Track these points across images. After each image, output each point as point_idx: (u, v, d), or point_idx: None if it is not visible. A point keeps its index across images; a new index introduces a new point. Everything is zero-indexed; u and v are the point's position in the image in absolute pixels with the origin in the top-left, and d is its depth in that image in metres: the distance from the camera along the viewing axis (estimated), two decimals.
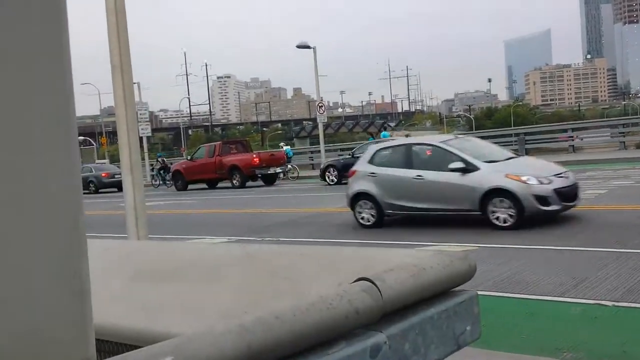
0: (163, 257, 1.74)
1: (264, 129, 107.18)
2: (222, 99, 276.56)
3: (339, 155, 29.51)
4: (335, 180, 24.34)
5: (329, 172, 24.83)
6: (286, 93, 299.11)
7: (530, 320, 5.34)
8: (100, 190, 33.69)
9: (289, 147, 36.31)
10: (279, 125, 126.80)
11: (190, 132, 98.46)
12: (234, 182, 27.53)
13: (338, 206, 14.15)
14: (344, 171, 24.28)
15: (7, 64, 0.70)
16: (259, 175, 27.51)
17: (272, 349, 0.92)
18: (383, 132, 33.03)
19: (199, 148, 32.19)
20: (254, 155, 28.02)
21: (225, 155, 28.49)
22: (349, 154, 25.73)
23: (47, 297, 0.74)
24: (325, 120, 36.22)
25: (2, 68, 0.70)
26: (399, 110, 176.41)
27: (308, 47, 33.33)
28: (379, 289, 1.11)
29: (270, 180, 27.97)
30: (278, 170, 28.04)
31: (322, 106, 32.63)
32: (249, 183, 27.54)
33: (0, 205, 0.69)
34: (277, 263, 1.54)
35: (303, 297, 1.07)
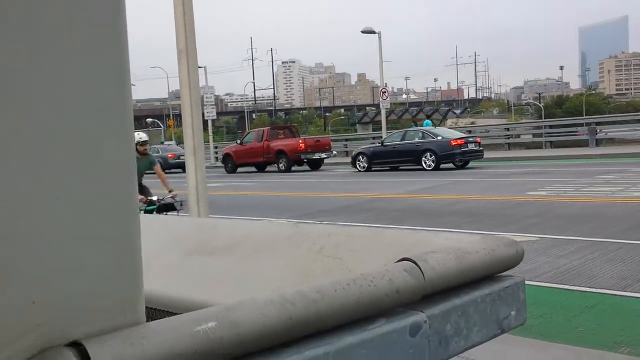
0: (217, 233, 1.80)
1: (327, 114, 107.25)
2: (286, 83, 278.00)
3: (371, 143, 30.14)
4: (366, 167, 24.94)
5: (359, 159, 25.43)
6: (350, 79, 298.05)
7: (588, 313, 5.21)
8: (166, 171, 34.46)
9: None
10: (342, 110, 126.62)
11: (254, 116, 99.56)
12: (280, 166, 28.61)
13: (392, 192, 14.08)
14: (373, 159, 24.86)
15: (68, 52, 0.75)
16: (305, 160, 28.41)
17: (312, 322, 0.95)
18: (426, 121, 33.38)
19: (248, 132, 33.48)
20: (300, 141, 28.90)
21: (273, 140, 29.44)
22: (379, 142, 26.25)
23: (101, 264, 0.79)
24: (389, 107, 36.09)
25: (63, 56, 0.74)
26: (465, 97, 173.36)
27: (373, 32, 33.10)
28: (420, 269, 1.13)
29: (315, 165, 28.78)
30: (323, 155, 28.60)
31: (385, 92, 32.42)
32: (295, 167, 28.37)
33: (62, 180, 0.74)
34: (326, 242, 1.57)
35: (348, 275, 1.09)
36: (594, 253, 7.28)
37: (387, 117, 35.24)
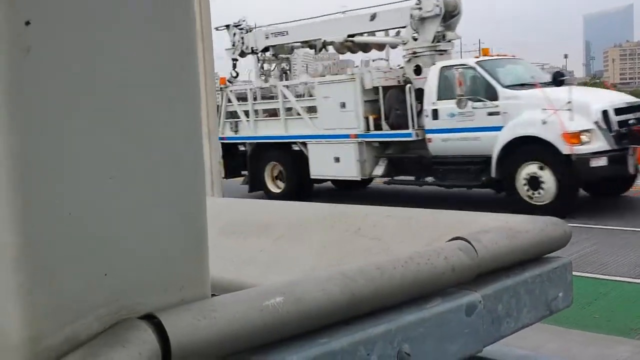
0: (250, 213, 1.78)
1: None
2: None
3: None
4: None
5: None
6: (353, 65, 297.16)
7: (603, 300, 5.20)
8: None
9: None
10: None
11: None
12: None
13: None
14: None
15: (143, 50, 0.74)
16: None
17: (372, 299, 0.93)
18: None
19: None
20: None
21: None
22: None
23: (171, 239, 0.78)
24: None
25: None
26: None
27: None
28: (474, 248, 1.11)
29: None
30: None
31: None
32: None
33: (137, 162, 0.73)
34: (363, 223, 1.55)
35: (390, 255, 1.07)
36: (605, 241, 7.27)
37: None
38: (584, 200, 9.97)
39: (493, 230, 1.21)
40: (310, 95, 12.85)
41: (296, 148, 12.81)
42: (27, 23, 0.64)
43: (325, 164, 11.96)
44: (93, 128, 0.69)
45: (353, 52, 13.66)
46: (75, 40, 0.68)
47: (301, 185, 12.65)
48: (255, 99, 13.59)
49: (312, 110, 12.51)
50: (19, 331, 0.65)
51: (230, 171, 13.09)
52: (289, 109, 12.97)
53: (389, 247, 1.42)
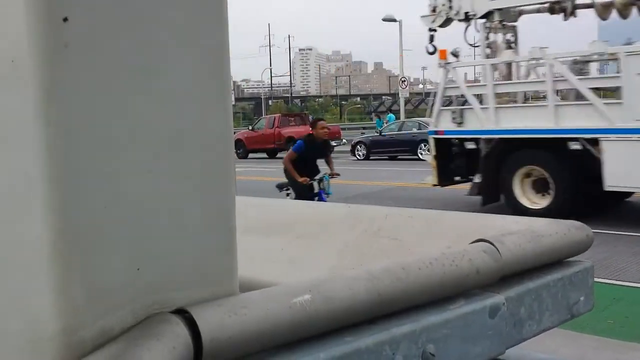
0: (270, 213, 1.79)
1: (343, 102, 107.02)
2: (302, 71, 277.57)
3: (362, 133, 31.36)
4: (363, 156, 25.63)
5: (358, 148, 26.33)
6: (367, 67, 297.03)
7: (617, 306, 5.17)
8: None
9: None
10: (358, 99, 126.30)
11: (270, 102, 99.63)
12: None
13: (407, 182, 14.02)
14: (372, 148, 25.55)
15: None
16: None
17: (398, 298, 0.94)
18: (389, 115, 36.09)
19: (259, 119, 33.99)
20: (310, 129, 28.90)
21: (283, 127, 29.79)
22: (377, 132, 27.10)
23: (202, 236, 0.79)
24: (407, 96, 36.10)
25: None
26: None
27: (394, 20, 32.91)
28: (498, 251, 1.11)
29: None
30: (333, 143, 28.93)
31: (404, 81, 32.30)
32: None
33: (168, 158, 0.74)
34: (383, 224, 1.55)
35: (411, 256, 1.08)
36: (618, 247, 7.22)
37: (404, 106, 35.29)
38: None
39: (516, 233, 1.21)
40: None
41: (576, 147, 8.89)
42: (65, 20, 0.64)
43: (634, 170, 8.24)
44: (129, 123, 0.70)
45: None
46: (110, 36, 0.68)
47: (579, 199, 8.93)
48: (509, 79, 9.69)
49: (608, 94, 9.28)
50: (54, 323, 0.66)
51: (446, 176, 10.25)
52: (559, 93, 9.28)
53: (409, 249, 1.42)
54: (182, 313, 0.72)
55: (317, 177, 8.97)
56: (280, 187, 9.36)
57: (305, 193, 8.57)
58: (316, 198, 8.61)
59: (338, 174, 9.14)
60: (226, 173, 0.81)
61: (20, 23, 0.63)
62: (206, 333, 0.70)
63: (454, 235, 1.39)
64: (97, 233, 0.68)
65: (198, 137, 0.77)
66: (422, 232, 1.47)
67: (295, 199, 8.35)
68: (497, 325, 1.07)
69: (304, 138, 9.18)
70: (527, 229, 1.25)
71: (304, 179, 8.56)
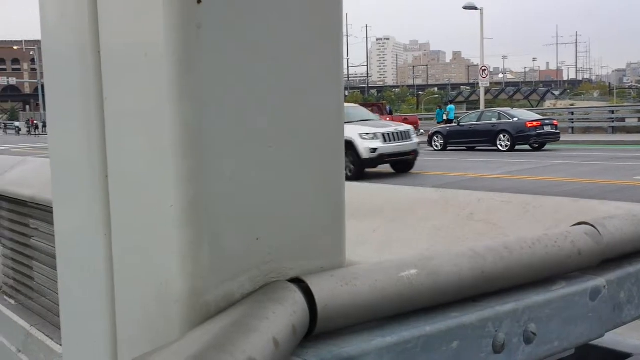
0: (361, 196, 1.82)
1: (420, 92, 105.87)
2: (379, 61, 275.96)
3: (439, 123, 31.20)
4: (440, 146, 25.32)
5: (435, 138, 25.97)
6: (445, 56, 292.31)
7: None
8: None
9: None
10: (436, 89, 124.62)
11: (347, 93, 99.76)
12: None
13: (488, 173, 13.74)
14: (450, 138, 25.16)
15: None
16: None
17: (500, 277, 0.94)
18: (450, 106, 35.38)
19: None
20: (388, 119, 29.13)
21: None
22: (456, 122, 26.56)
23: (317, 209, 0.83)
24: (487, 85, 35.39)
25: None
26: (565, 78, 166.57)
27: (475, 8, 32.25)
28: (600, 234, 1.09)
29: None
30: None
31: (485, 70, 31.63)
32: None
33: (287, 137, 0.78)
34: (476, 208, 1.55)
35: (513, 237, 1.08)
36: None
37: (484, 96, 34.60)
38: None
39: (618, 217, 1.19)
40: None
41: None
42: (199, 2, 0.69)
43: None
44: (255, 101, 0.74)
45: None
46: (239, 18, 0.72)
47: None
48: None
49: None
50: (182, 285, 0.71)
51: None
52: None
53: (505, 232, 1.42)
54: (298, 282, 0.76)
55: None
56: None
57: None
58: None
59: None
60: (338, 151, 0.84)
61: (157, 4, 0.68)
62: (320, 300, 0.74)
63: (551, 219, 1.37)
64: (223, 203, 0.72)
65: (315, 114, 0.80)
66: (517, 216, 1.46)
67: None
68: (597, 308, 1.06)
69: None
70: (628, 214, 1.23)
71: None
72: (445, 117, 34.28)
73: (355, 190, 1.87)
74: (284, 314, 0.67)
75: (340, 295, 0.76)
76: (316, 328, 0.74)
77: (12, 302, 5.37)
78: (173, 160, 0.70)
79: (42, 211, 4.88)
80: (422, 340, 0.81)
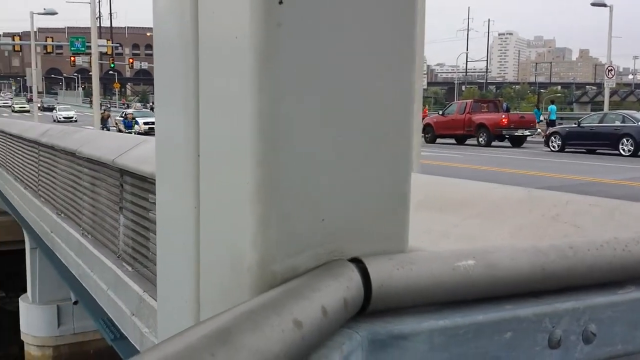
0: (447, 191, 1.85)
1: (542, 90, 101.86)
2: (500, 56, 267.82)
3: (559, 124, 29.62)
4: (558, 147, 24.24)
5: (552, 139, 24.94)
6: (571, 54, 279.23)
7: None
8: None
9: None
10: (559, 87, 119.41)
11: (463, 87, 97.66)
12: (480, 140, 28.09)
13: (609, 178, 13.07)
14: (568, 139, 23.91)
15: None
16: (507, 136, 27.70)
17: (562, 275, 0.96)
18: (551, 106, 34.08)
19: (450, 104, 33.30)
20: (503, 116, 28.17)
21: (475, 113, 28.89)
22: (576, 123, 25.38)
23: (380, 196, 0.89)
24: (613, 86, 33.50)
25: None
26: None
27: (604, 5, 30.62)
28: None
29: (517, 142, 27.90)
30: (527, 132, 27.43)
31: (611, 69, 29.99)
32: (495, 143, 27.83)
33: (356, 127, 0.85)
34: (564, 209, 1.54)
35: (583, 238, 1.08)
36: None
37: (609, 97, 32.75)
38: None
39: None
40: None
41: None
42: (280, 2, 0.77)
43: None
44: (325, 94, 0.82)
45: None
46: (316, 19, 0.80)
47: None
48: None
49: None
50: (253, 255, 0.80)
51: None
52: None
53: (588, 235, 1.41)
54: (357, 262, 0.83)
55: None
56: None
57: None
58: None
59: None
60: (405, 140, 0.90)
61: (245, 3, 0.77)
62: (376, 280, 0.80)
63: (638, 225, 1.36)
64: (293, 185, 0.81)
65: (384, 104, 0.86)
66: (604, 220, 1.45)
67: None
68: None
69: None
70: None
71: None
72: (542, 119, 32.90)
73: (442, 185, 1.90)
74: (338, 288, 0.75)
75: (396, 277, 0.82)
76: (370, 306, 0.81)
77: (130, 268, 5.80)
78: (250, 143, 0.79)
79: None
80: (473, 327, 0.86)
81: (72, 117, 56.31)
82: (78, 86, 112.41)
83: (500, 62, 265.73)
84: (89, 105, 68.01)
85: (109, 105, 75.20)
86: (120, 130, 32.81)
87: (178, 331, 0.61)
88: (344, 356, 0.72)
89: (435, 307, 0.87)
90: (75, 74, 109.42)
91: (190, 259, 0.98)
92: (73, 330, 12.69)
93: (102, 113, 31.70)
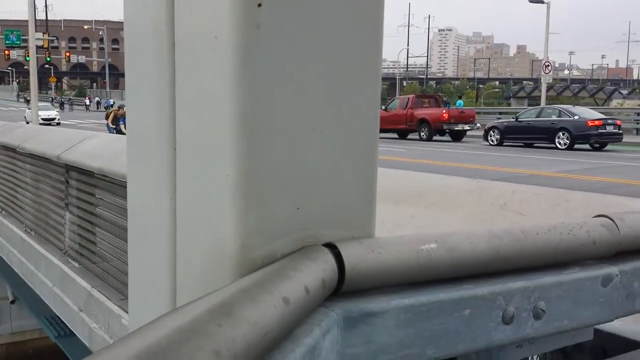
0: (403, 183, 1.93)
1: (480, 85, 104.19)
2: (440, 52, 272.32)
3: (498, 118, 30.59)
4: (496, 141, 25.00)
5: (491, 133, 25.72)
6: (509, 50, 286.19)
7: None
8: None
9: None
10: (497, 83, 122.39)
11: (404, 83, 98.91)
12: (422, 134, 28.78)
13: (545, 170, 13.53)
14: (506, 133, 24.74)
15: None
16: (447, 131, 28.42)
17: (515, 257, 1.05)
18: (458, 101, 35.93)
19: (393, 100, 33.79)
20: (444, 111, 28.86)
21: (417, 108, 29.54)
22: (513, 117, 26.21)
23: (349, 185, 0.95)
24: (550, 81, 34.58)
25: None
26: (635, 77, 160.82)
27: (542, 1, 31.58)
28: (617, 226, 1.18)
29: (457, 136, 28.68)
30: (466, 127, 28.19)
31: (548, 65, 30.99)
32: (437, 137, 28.51)
33: (327, 121, 0.91)
34: (510, 199, 1.64)
35: (531, 223, 1.17)
36: None
37: (546, 92, 33.80)
38: None
39: (638, 212, 1.27)
40: None
41: None
42: (259, 5, 0.82)
43: None
44: (301, 92, 0.87)
45: None
46: (293, 21, 0.85)
47: None
48: None
49: None
50: (234, 242, 0.85)
51: None
52: None
53: (532, 223, 1.51)
54: (331, 247, 0.89)
55: None
56: None
57: None
58: None
59: None
60: (372, 132, 0.96)
61: (224, 5, 0.82)
62: (349, 263, 0.87)
63: (579, 213, 1.46)
64: (270, 176, 0.86)
65: (353, 102, 0.93)
66: (548, 208, 1.55)
67: None
68: (608, 294, 1.15)
69: None
70: None
71: None
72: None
73: (395, 177, 1.99)
74: (316, 269, 0.81)
75: (366, 260, 0.89)
76: (344, 286, 0.87)
77: (76, 264, 5.72)
78: (229, 137, 0.84)
79: (107, 182, 5.16)
80: (435, 305, 0.93)
81: (54, 118, 44.87)
82: (12, 80, 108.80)
83: (441, 57, 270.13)
84: (22, 100, 65.50)
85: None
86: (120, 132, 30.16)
87: (153, 318, 0.63)
88: (323, 332, 0.78)
89: (402, 287, 0.94)
90: (10, 68, 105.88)
91: (165, 247, 1.02)
92: (11, 330, 12.36)
93: (116, 110, 25.31)
